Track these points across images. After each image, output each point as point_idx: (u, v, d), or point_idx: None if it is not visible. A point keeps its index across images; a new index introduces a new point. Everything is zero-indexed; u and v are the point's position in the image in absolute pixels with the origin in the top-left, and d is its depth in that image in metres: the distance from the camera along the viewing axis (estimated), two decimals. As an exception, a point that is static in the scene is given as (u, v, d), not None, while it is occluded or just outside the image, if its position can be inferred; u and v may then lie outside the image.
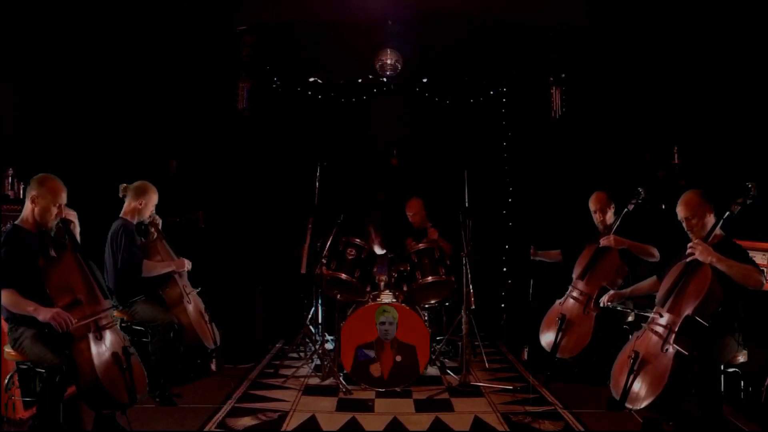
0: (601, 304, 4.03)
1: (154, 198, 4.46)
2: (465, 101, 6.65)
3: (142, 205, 4.41)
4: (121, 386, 3.34)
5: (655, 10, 5.29)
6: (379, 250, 5.48)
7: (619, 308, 4.07)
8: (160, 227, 4.56)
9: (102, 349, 3.36)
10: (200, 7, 5.37)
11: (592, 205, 4.91)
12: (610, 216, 4.84)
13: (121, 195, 4.45)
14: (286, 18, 5.67)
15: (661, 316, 3.52)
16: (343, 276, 4.93)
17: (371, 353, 4.68)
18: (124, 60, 5.43)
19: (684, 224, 3.62)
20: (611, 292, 4.02)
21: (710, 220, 3.55)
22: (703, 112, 5.31)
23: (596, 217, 4.90)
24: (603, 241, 4.59)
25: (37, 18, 4.94)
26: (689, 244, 3.52)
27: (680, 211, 3.62)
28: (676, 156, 5.50)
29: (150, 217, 4.50)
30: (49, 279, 3.32)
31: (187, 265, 4.56)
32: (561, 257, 5.16)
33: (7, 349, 3.41)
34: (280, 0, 5.66)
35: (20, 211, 3.53)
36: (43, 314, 3.20)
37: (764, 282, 3.35)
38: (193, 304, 4.51)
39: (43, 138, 5.04)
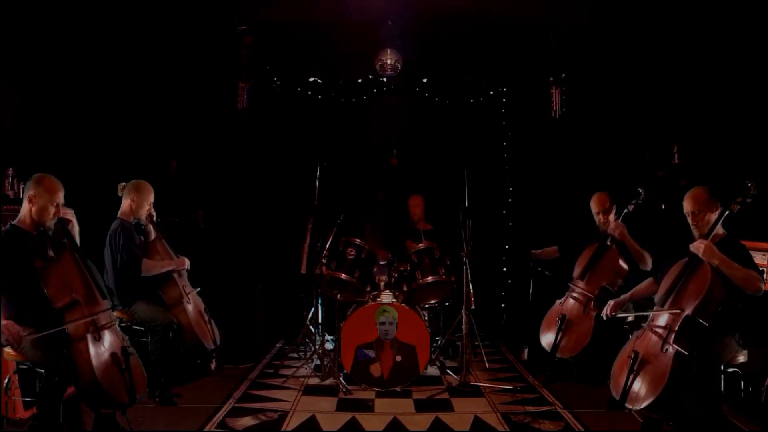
0: (604, 317, 3.92)
1: (148, 195, 4.43)
2: (465, 101, 6.64)
3: (135, 202, 4.39)
4: (120, 386, 3.34)
5: (655, 10, 5.29)
6: (382, 259, 5.49)
7: (621, 316, 3.94)
8: (154, 219, 4.50)
9: (101, 349, 3.35)
10: (200, 7, 5.37)
11: (594, 207, 4.88)
12: (612, 217, 4.82)
13: (119, 194, 4.45)
14: (286, 18, 5.67)
15: (661, 316, 3.52)
16: (343, 276, 4.93)
17: (371, 353, 4.68)
18: (124, 60, 5.43)
19: (689, 218, 3.60)
20: (611, 303, 3.90)
21: (715, 217, 3.53)
22: (703, 111, 5.30)
23: (598, 219, 4.87)
24: (609, 230, 4.60)
25: (37, 18, 4.94)
26: (692, 244, 3.50)
27: (686, 205, 3.61)
28: (676, 156, 5.49)
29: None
30: (47, 279, 3.30)
31: (187, 263, 4.54)
32: (558, 254, 5.17)
33: (7, 349, 3.39)
34: (280, 0, 5.66)
35: (20, 211, 3.52)
36: None
37: (763, 289, 3.34)
38: (192, 304, 4.50)
39: (43, 138, 5.04)
